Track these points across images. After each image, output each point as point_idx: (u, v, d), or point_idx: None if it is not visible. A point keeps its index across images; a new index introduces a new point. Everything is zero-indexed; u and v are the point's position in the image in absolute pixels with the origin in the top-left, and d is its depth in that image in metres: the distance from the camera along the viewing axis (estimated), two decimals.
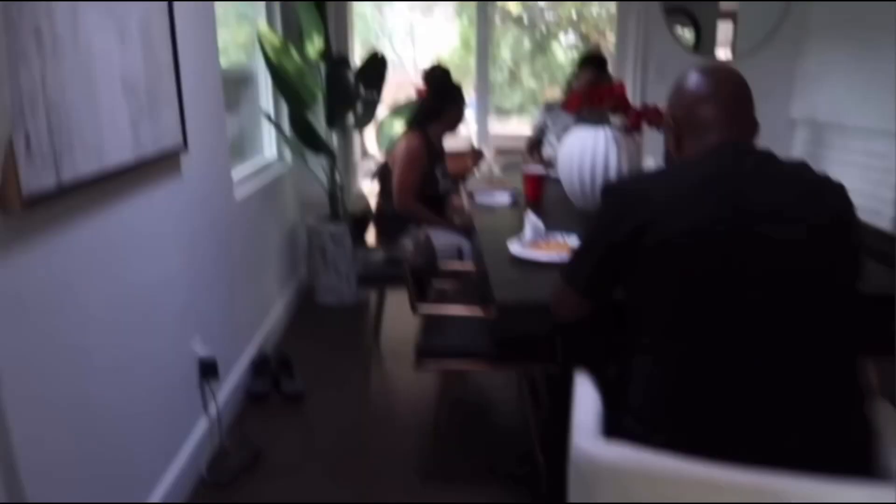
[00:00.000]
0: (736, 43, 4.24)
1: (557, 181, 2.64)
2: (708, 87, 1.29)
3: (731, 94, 1.29)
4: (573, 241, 2.00)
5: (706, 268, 1.15)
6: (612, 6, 9.20)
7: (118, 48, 1.67)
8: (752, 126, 1.31)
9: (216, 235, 2.53)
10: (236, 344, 2.78)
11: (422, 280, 2.29)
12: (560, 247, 1.96)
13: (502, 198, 2.82)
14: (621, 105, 2.33)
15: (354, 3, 4.37)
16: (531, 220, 2.13)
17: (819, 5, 3.85)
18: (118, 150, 1.65)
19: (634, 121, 2.33)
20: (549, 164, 3.42)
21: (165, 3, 1.99)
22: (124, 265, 1.77)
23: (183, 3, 2.20)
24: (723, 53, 4.23)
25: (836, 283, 1.17)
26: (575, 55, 9.93)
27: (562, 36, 10.21)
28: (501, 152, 5.67)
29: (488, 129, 4.60)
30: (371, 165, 4.19)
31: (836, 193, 1.22)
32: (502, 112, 9.65)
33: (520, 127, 8.75)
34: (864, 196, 3.39)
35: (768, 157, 1.24)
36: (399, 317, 3.22)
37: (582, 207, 2.52)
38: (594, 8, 9.88)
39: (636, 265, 1.22)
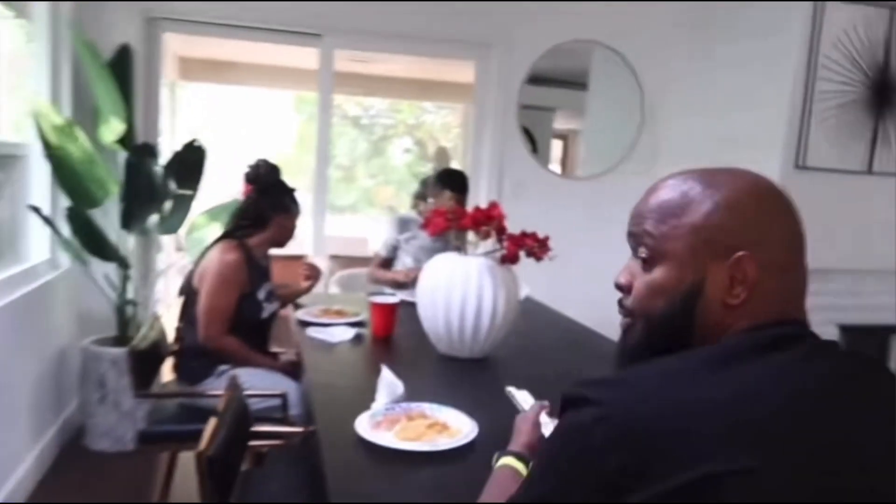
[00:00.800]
0: (567, 161, 4.29)
1: (413, 306, 2.12)
2: (783, 203, 0.80)
3: (801, 224, 0.80)
4: (448, 417, 1.46)
5: None
6: (450, 115, 9.37)
7: None
8: None
9: None
10: None
11: (228, 453, 1.62)
12: (431, 426, 1.41)
13: (343, 332, 2.24)
14: (499, 231, 1.90)
15: (178, 85, 3.75)
16: (386, 381, 1.57)
17: (667, 135, 3.84)
18: None
19: (513, 250, 1.90)
20: (403, 284, 2.92)
21: None
22: None
23: None
24: (555, 170, 4.20)
25: None
26: (410, 158, 9.91)
27: (398, 140, 10.17)
28: (338, 260, 5.12)
29: (325, 232, 4.05)
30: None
31: None
32: (335, 209, 9.24)
33: (355, 228, 8.37)
34: None
35: (833, 350, 0.78)
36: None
37: (445, 353, 2.01)
38: (430, 116, 9.99)
39: None
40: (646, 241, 0.81)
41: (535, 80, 3.85)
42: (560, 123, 4.36)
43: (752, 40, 3.19)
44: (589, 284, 3.62)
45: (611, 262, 3.97)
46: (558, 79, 4.08)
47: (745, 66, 3.24)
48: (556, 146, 4.40)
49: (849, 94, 2.99)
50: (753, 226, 0.76)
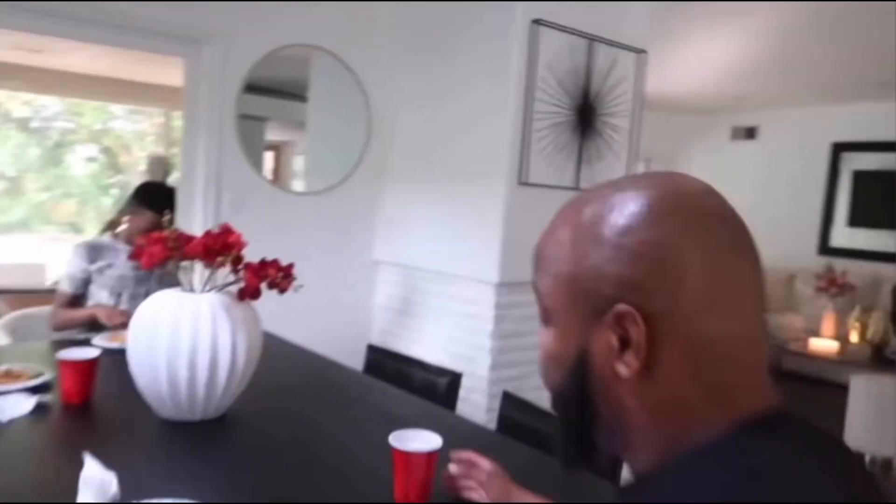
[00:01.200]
0: (280, 174, 4.01)
1: (119, 356, 1.66)
2: (701, 221, 0.56)
3: (740, 248, 0.58)
4: None
5: None
6: (144, 121, 8.37)
7: None
8: None
9: None
10: None
11: None
12: None
13: (16, 403, 1.66)
14: (236, 261, 1.55)
15: None
16: (92, 477, 1.14)
17: (397, 147, 3.77)
18: None
19: (254, 283, 1.57)
20: (105, 326, 2.36)
21: None
22: None
23: None
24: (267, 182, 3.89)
25: None
26: (96, 168, 8.64)
27: (79, 147, 8.83)
28: (6, 297, 4.13)
29: None
30: None
31: None
32: None
33: (28, 252, 7.01)
34: (462, 343, 3.25)
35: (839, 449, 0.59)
36: None
37: (170, 417, 1.60)
38: (120, 122, 8.84)
39: None
40: (537, 296, 0.64)
41: (248, 87, 3.53)
42: (272, 134, 4.10)
43: (478, 53, 3.22)
44: (319, 307, 3.37)
45: (341, 282, 3.73)
46: (272, 87, 3.81)
47: (472, 79, 3.25)
48: (268, 158, 4.15)
49: (559, 115, 3.20)
50: (646, 264, 0.55)
